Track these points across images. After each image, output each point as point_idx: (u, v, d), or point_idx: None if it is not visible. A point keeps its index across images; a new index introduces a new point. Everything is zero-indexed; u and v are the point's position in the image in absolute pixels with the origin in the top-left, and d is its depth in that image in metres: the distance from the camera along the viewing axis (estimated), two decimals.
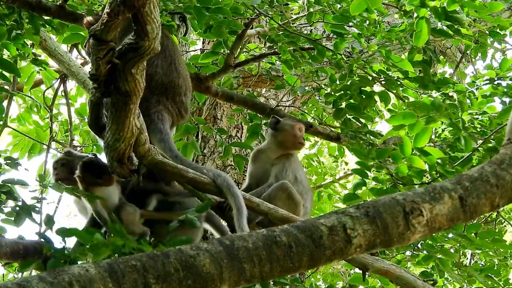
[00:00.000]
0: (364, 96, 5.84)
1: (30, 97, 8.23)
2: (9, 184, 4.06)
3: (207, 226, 4.93)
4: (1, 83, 6.41)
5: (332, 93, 5.95)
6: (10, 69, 5.39)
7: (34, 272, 5.79)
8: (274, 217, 4.43)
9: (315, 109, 6.57)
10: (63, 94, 7.88)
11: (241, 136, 7.41)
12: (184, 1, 5.45)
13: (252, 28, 6.09)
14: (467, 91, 5.81)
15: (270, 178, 5.24)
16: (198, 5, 5.26)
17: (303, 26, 7.31)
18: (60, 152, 8.40)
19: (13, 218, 3.99)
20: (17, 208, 3.98)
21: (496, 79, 5.86)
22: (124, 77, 3.91)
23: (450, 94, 5.74)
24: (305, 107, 6.90)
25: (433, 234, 4.63)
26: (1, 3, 5.32)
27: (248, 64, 6.27)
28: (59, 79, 7.71)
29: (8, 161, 4.21)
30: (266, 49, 6.70)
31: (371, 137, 5.78)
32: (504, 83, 5.80)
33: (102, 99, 4.17)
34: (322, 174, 10.61)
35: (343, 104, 5.89)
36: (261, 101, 7.29)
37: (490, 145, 5.01)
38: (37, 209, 4.05)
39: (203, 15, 5.25)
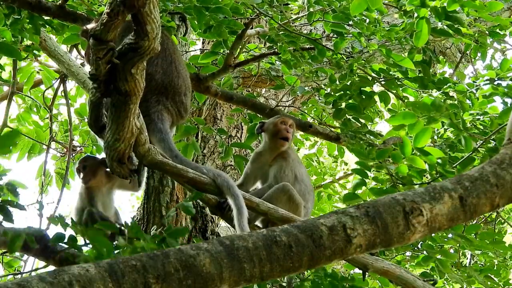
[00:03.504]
0: (364, 96, 5.84)
1: (30, 97, 8.23)
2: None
3: None
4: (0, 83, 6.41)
5: (332, 93, 5.95)
6: (10, 52, 5.34)
7: (34, 272, 5.78)
8: (274, 217, 4.43)
9: (314, 109, 6.57)
10: (63, 94, 7.88)
11: (241, 136, 7.41)
12: (184, 1, 5.45)
13: (252, 28, 6.09)
14: (468, 91, 5.80)
15: (269, 179, 5.25)
16: (198, 4, 5.25)
17: (303, 26, 7.31)
18: (61, 153, 8.41)
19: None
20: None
21: (496, 79, 5.86)
22: (124, 77, 3.91)
23: (451, 94, 5.74)
24: (305, 107, 6.90)
25: (433, 234, 4.63)
26: (1, 3, 5.32)
27: (248, 64, 6.27)
28: (59, 79, 7.71)
29: (8, 186, 4.17)
30: (266, 49, 6.70)
31: (371, 137, 5.78)
32: (504, 83, 5.80)
33: (102, 99, 4.17)
34: (322, 174, 10.61)
35: (343, 104, 5.88)
36: (261, 101, 7.29)
37: (490, 145, 5.01)
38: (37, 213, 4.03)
39: (203, 14, 5.25)
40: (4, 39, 5.61)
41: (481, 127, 5.41)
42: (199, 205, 6.18)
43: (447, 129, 5.62)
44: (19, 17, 5.43)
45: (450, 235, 4.87)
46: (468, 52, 8.36)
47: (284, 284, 4.77)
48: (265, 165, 5.35)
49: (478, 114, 5.54)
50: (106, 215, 4.78)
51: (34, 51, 6.29)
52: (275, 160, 5.33)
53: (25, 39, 5.94)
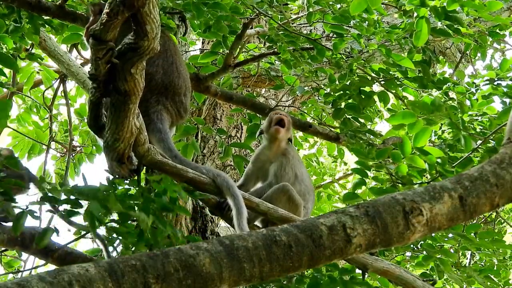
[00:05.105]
0: (363, 96, 5.84)
1: (29, 97, 8.23)
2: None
3: None
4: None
5: (332, 93, 5.96)
6: (8, 63, 5.36)
7: (33, 272, 5.78)
8: (273, 217, 4.43)
9: (314, 109, 6.57)
10: (62, 94, 7.88)
11: (240, 136, 7.41)
12: None
13: (251, 28, 6.09)
14: (467, 92, 5.81)
15: (269, 177, 5.25)
16: (196, 1, 5.25)
17: (303, 26, 7.32)
18: (60, 153, 8.40)
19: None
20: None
21: (496, 79, 5.86)
22: (123, 77, 3.91)
23: (450, 95, 5.75)
24: (304, 107, 6.91)
25: (433, 234, 4.63)
26: (1, 3, 5.32)
27: (247, 64, 6.27)
28: (59, 80, 7.71)
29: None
30: (266, 49, 6.70)
31: (371, 137, 5.79)
32: (504, 83, 5.81)
33: (101, 99, 4.16)
34: (322, 174, 10.61)
35: (342, 104, 5.89)
36: (261, 101, 7.29)
37: (489, 145, 5.01)
38: (35, 214, 3.99)
39: (201, 11, 5.25)
40: (5, 45, 5.63)
41: (479, 127, 5.41)
42: (199, 205, 6.18)
43: (445, 130, 5.63)
44: (19, 25, 5.44)
45: (450, 235, 4.87)
46: (468, 52, 8.37)
47: (284, 282, 4.76)
48: (266, 163, 5.36)
49: (477, 115, 5.55)
50: None
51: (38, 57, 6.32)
52: (275, 157, 5.33)
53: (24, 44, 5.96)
